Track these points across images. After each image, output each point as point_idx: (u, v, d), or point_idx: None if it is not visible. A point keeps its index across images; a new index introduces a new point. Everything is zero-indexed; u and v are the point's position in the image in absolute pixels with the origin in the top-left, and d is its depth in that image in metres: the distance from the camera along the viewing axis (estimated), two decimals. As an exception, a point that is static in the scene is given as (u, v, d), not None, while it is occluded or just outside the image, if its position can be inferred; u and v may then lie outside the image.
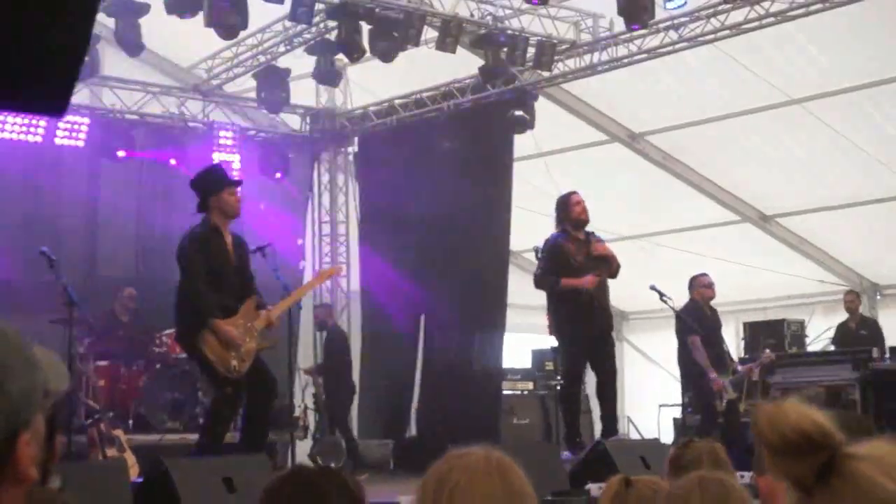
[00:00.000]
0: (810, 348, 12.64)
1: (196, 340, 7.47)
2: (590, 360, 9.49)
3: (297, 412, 12.25)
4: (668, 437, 12.11)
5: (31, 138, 12.37)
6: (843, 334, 12.28)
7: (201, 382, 10.62)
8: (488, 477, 2.19)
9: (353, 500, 2.47)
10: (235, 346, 7.42)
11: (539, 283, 9.45)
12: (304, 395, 12.81)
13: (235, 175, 10.23)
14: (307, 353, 14.01)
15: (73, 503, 2.41)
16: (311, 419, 12.82)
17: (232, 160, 13.66)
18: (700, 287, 10.88)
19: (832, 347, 12.32)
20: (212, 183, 7.71)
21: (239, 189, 7.80)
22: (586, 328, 9.28)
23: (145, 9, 11.30)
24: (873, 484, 1.13)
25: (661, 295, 10.11)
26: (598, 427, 10.97)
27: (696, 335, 10.49)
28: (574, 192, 9.63)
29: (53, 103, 1.16)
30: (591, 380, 9.96)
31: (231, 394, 7.52)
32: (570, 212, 9.43)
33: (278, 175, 14.32)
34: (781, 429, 1.19)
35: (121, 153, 12.96)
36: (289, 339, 8.89)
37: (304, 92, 14.20)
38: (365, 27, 11.63)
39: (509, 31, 12.14)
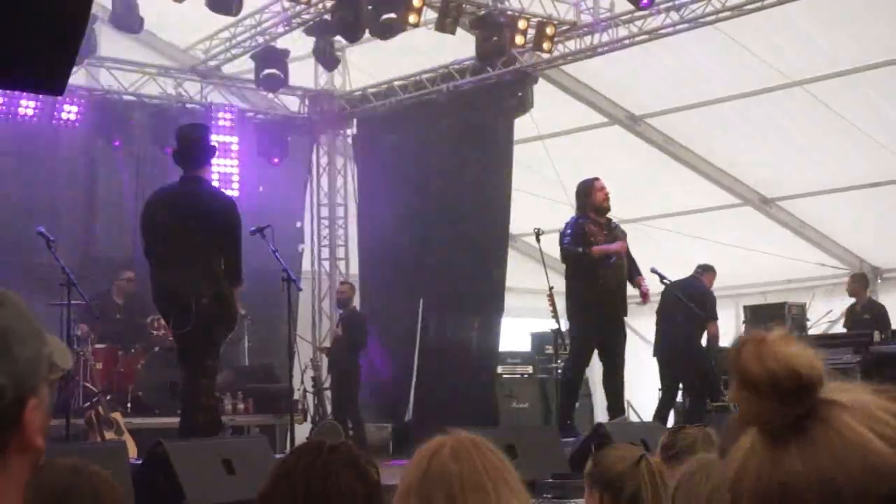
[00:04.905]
0: (811, 332, 12.61)
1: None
2: (601, 347, 9.50)
3: (297, 395, 12.22)
4: (668, 420, 12.06)
5: (27, 117, 12.30)
6: (848, 318, 12.30)
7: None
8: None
9: (369, 482, 2.42)
10: None
11: (567, 253, 9.42)
12: (303, 379, 12.76)
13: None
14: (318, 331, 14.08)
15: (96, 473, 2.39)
16: (311, 402, 12.78)
17: (230, 142, 13.61)
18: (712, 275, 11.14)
19: (843, 330, 12.35)
20: (211, 152, 8.10)
21: None
22: (602, 312, 9.30)
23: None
24: (857, 436, 0.98)
25: (662, 278, 10.10)
26: (597, 412, 10.89)
27: (712, 322, 10.69)
28: (597, 178, 9.68)
29: (53, 82, 1.13)
30: (595, 364, 9.92)
31: (212, 365, 7.52)
32: (593, 198, 9.49)
33: (276, 158, 14.25)
34: (769, 364, 1.00)
35: (117, 140, 12.92)
36: (288, 321, 8.82)
37: (303, 74, 14.12)
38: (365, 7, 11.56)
39: (509, 12, 12.06)
